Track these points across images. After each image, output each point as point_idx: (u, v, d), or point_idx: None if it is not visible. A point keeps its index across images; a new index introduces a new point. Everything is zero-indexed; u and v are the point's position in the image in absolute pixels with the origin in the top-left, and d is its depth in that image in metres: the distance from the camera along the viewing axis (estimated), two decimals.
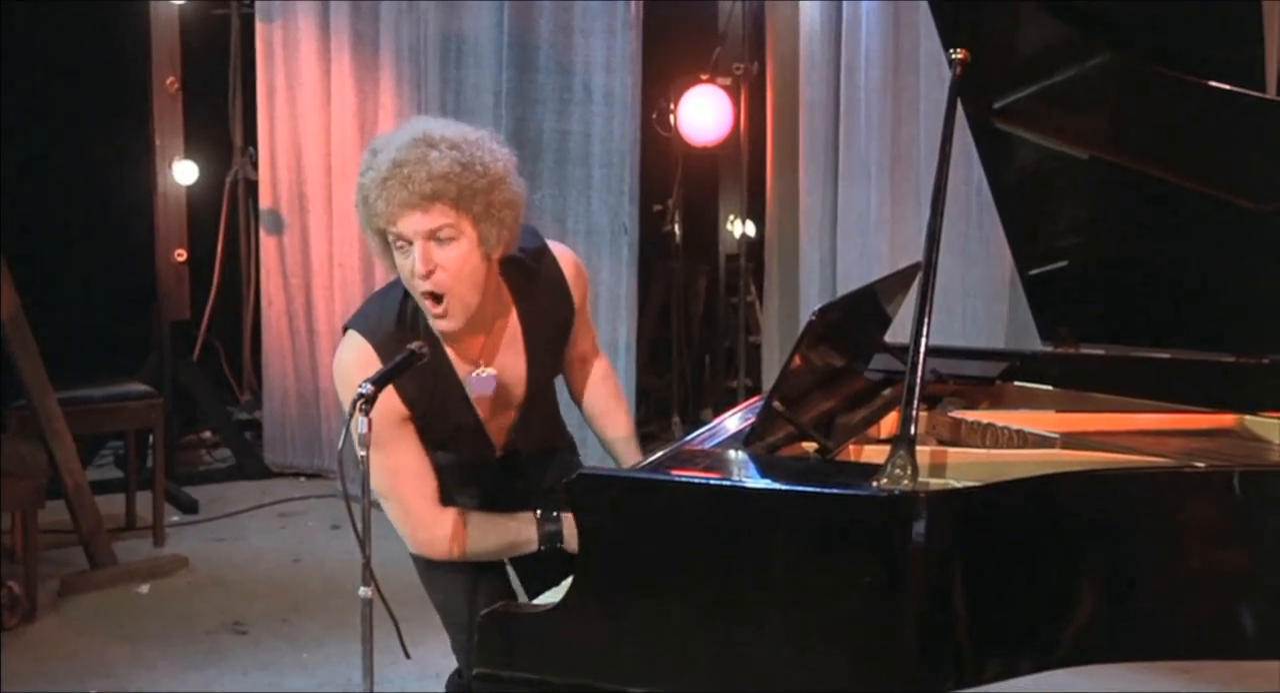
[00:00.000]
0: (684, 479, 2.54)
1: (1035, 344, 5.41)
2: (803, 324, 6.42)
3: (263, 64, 6.69)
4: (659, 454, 2.83)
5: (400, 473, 2.84)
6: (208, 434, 7.21)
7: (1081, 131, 3.37)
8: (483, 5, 5.93)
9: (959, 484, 2.74)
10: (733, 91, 6.80)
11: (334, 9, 6.43)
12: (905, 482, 2.46)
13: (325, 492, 6.55)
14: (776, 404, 2.83)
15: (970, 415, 3.25)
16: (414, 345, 2.67)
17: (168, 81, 6.51)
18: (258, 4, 6.69)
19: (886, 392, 3.44)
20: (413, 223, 2.69)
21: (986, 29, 3.20)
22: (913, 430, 2.55)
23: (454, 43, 5.99)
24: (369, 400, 2.53)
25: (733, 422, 3.11)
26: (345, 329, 2.92)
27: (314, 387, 6.77)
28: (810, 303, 6.47)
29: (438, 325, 2.82)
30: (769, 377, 6.89)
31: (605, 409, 3.37)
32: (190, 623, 5.00)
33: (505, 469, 3.17)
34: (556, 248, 3.11)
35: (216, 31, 7.12)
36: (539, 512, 2.91)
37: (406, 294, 2.85)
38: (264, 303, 6.86)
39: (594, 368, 3.37)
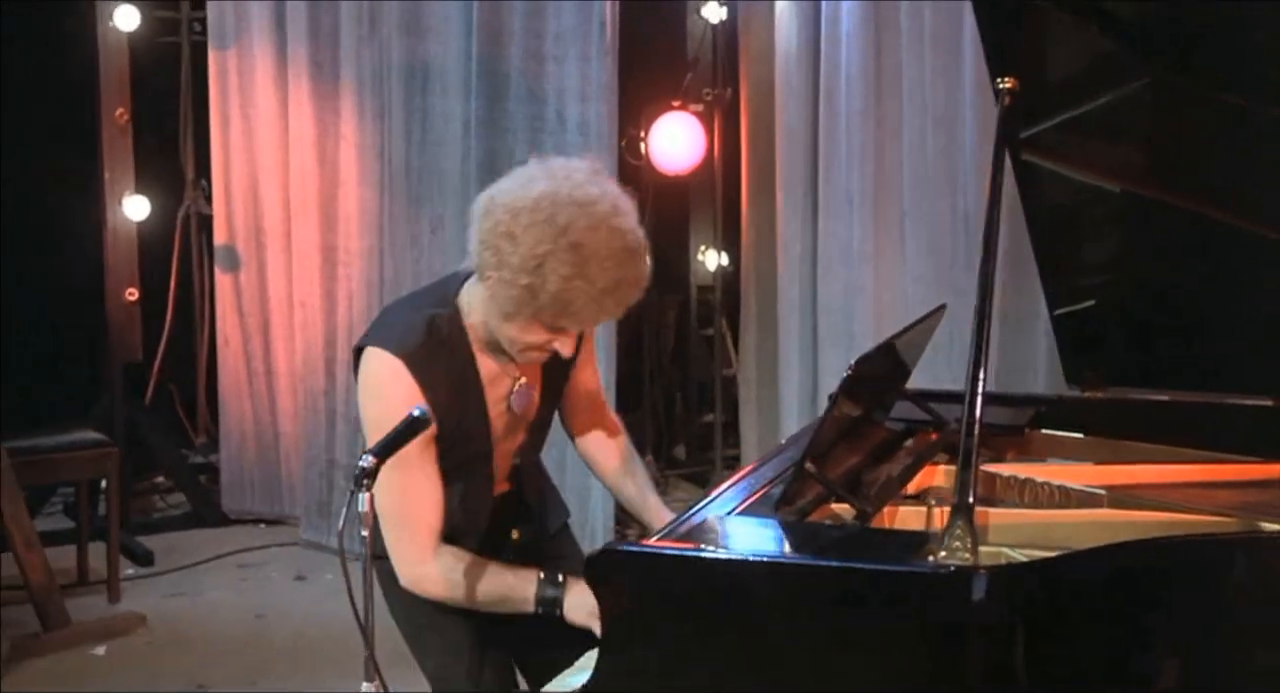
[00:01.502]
0: (722, 554, 2.30)
1: (1028, 381, 5.17)
2: (782, 360, 6.26)
3: (216, 93, 6.44)
4: (676, 522, 2.60)
5: (411, 496, 2.68)
6: (161, 479, 6.89)
7: (1115, 162, 3.16)
8: (449, 32, 5.69)
9: (1017, 554, 2.52)
10: (705, 118, 6.58)
11: (291, 35, 6.18)
12: (965, 555, 2.23)
13: (287, 540, 6.26)
14: (809, 466, 2.60)
15: (1006, 470, 3.02)
16: (415, 411, 2.42)
17: (117, 113, 6.27)
18: (210, 31, 6.43)
19: (909, 443, 3.22)
20: (591, 329, 2.80)
21: (1034, 55, 2.98)
22: (971, 498, 2.31)
23: (419, 71, 5.75)
24: (370, 475, 2.27)
25: (735, 490, 2.86)
26: (359, 349, 2.75)
27: (273, 430, 6.51)
28: (790, 336, 6.26)
29: (528, 356, 2.75)
30: (746, 412, 6.67)
31: (628, 469, 3.23)
32: (150, 688, 4.71)
33: (509, 502, 3.01)
34: None
35: (167, 60, 6.85)
36: (543, 573, 2.70)
37: (436, 307, 2.76)
38: (220, 343, 6.59)
39: (604, 416, 3.25)
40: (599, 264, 2.50)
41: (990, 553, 2.53)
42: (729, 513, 2.63)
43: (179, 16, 6.82)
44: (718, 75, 6.66)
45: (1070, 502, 2.86)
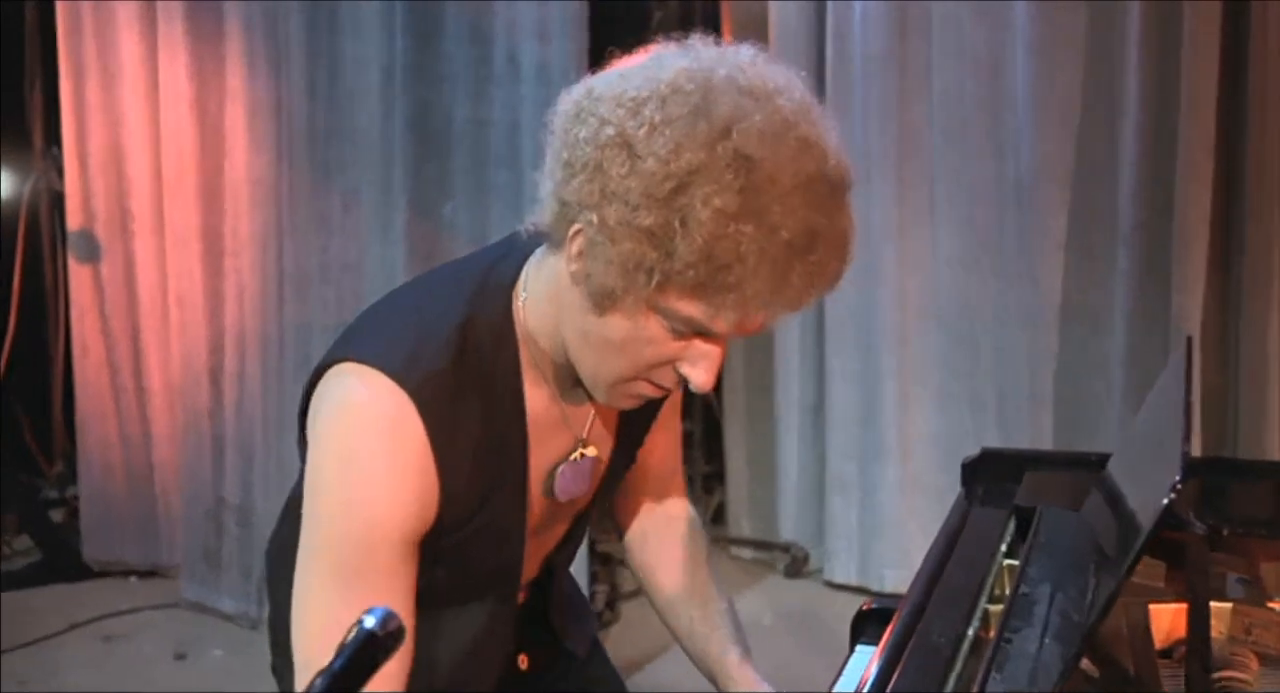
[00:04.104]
0: None
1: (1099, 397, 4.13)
2: (779, 363, 5.09)
3: (66, 44, 5.16)
4: None
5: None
6: (6, 518, 5.62)
7: None
8: None
9: None
10: None
11: None
12: None
13: (165, 600, 5.00)
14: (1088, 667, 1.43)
15: None
16: (369, 620, 1.11)
17: None
18: None
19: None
20: (752, 324, 1.56)
21: None
22: None
23: (325, 5, 4.52)
24: None
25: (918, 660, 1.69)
26: (333, 362, 1.67)
27: (146, 459, 5.26)
28: (787, 334, 5.13)
29: (624, 393, 1.67)
30: (733, 426, 5.51)
31: (704, 590, 2.11)
32: None
33: (519, 621, 1.96)
34: None
35: (6, 8, 5.58)
36: None
37: (474, 301, 1.68)
38: (77, 351, 5.32)
39: (678, 498, 2.16)
40: (782, 198, 1.46)
41: None
42: None
43: None
44: (694, 12, 5.47)
45: None
